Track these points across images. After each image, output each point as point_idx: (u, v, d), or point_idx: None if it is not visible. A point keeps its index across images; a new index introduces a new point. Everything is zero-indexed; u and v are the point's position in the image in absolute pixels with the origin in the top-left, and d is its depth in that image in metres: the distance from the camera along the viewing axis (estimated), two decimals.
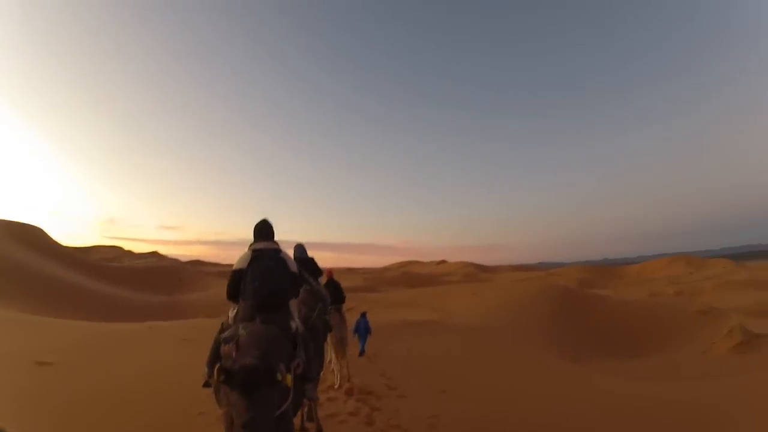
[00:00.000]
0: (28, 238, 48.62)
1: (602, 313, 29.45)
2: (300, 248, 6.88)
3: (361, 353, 12.90)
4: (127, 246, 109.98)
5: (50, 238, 54.90)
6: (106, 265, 57.64)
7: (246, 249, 4.13)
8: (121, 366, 9.26)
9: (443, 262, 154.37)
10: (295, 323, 3.85)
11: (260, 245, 4.08)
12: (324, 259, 7.34)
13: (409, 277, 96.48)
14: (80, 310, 30.16)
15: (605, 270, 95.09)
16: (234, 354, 3.18)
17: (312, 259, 6.91)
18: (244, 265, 3.91)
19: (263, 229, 4.22)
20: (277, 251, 4.10)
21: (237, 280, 3.91)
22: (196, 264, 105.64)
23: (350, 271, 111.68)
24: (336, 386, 8.63)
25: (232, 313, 3.94)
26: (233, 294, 3.96)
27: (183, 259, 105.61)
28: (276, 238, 4.31)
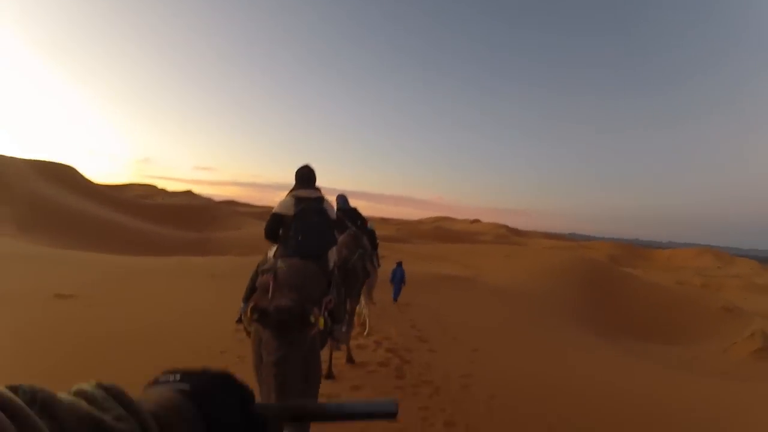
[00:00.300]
0: (60, 176, 49.26)
1: (632, 294, 28.70)
2: (342, 199, 6.97)
3: (395, 300, 13.09)
4: (161, 185, 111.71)
5: (82, 177, 55.38)
6: (138, 202, 58.15)
7: (287, 195, 3.97)
8: (141, 300, 9.05)
9: (477, 221, 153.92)
10: (332, 262, 3.86)
11: (303, 193, 3.91)
12: (359, 208, 7.23)
13: (442, 232, 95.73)
14: (109, 245, 30.60)
15: (636, 250, 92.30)
16: (271, 284, 3.16)
17: (355, 209, 6.94)
18: (286, 212, 3.80)
19: (305, 176, 4.04)
20: (320, 200, 3.94)
21: (276, 224, 3.85)
22: (230, 204, 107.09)
23: (384, 221, 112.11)
24: (365, 333, 8.41)
25: (271, 252, 3.85)
26: (271, 235, 3.91)
27: (217, 199, 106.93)
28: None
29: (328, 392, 5.12)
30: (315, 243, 3.69)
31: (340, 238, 6.15)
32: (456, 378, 6.53)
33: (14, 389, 0.41)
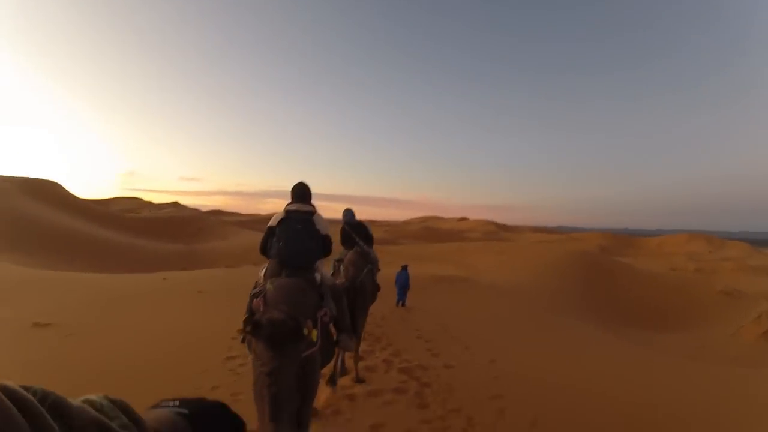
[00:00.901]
0: (44, 193, 48.40)
1: (628, 283, 28.59)
2: (349, 213, 6.90)
3: (400, 304, 13.00)
4: (147, 197, 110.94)
5: (67, 192, 54.51)
6: (123, 216, 57.07)
7: (281, 209, 4.18)
8: (124, 327, 8.13)
9: (464, 219, 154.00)
10: (320, 275, 3.89)
11: (294, 206, 4.11)
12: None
13: (430, 231, 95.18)
14: (94, 263, 29.62)
15: (625, 239, 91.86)
16: (262, 307, 3.30)
17: (362, 224, 6.79)
18: (274, 223, 4.02)
19: (299, 191, 4.24)
20: (309, 213, 4.10)
21: (268, 236, 4.05)
22: (217, 214, 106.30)
23: (371, 223, 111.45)
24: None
25: (262, 272, 3.99)
26: (264, 249, 4.11)
27: (203, 209, 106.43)
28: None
29: None
30: (294, 250, 3.79)
31: (347, 257, 6.27)
32: (486, 401, 5.70)
33: (27, 389, 0.48)
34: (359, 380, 6.04)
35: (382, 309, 10.91)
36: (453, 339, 9.49)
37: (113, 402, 0.51)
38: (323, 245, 4.05)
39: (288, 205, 4.15)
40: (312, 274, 3.79)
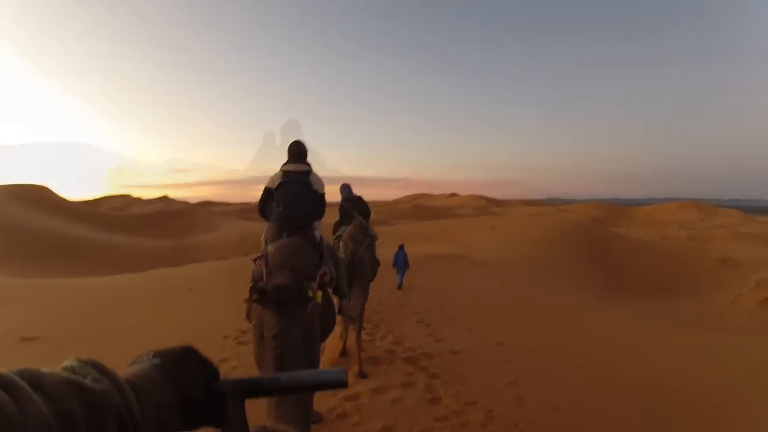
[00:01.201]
0: (32, 198, 47.81)
1: (624, 253, 28.72)
2: (347, 188, 6.86)
3: (400, 286, 12.72)
4: (137, 193, 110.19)
5: (55, 195, 53.94)
6: (112, 214, 56.56)
7: (278, 169, 4.09)
8: (111, 333, 7.65)
9: (454, 194, 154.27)
10: (319, 233, 3.85)
11: (291, 167, 4.03)
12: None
13: (420, 210, 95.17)
14: (86, 265, 29.02)
15: (617, 209, 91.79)
16: (264, 269, 3.25)
17: (360, 198, 6.87)
18: (272, 185, 3.96)
19: (295, 150, 4.13)
20: (306, 173, 3.99)
21: (266, 198, 4.02)
22: (206, 205, 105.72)
23: None
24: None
25: (263, 237, 3.91)
26: (261, 211, 4.08)
27: (192, 201, 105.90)
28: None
29: None
30: (296, 212, 3.75)
31: (346, 231, 6.18)
32: (501, 389, 5.34)
33: (10, 371, 0.51)
34: (363, 375, 5.63)
35: (378, 293, 10.53)
36: (453, 321, 9.20)
37: (84, 362, 0.56)
38: (320, 205, 4.00)
39: (284, 164, 4.08)
40: (312, 232, 3.79)
